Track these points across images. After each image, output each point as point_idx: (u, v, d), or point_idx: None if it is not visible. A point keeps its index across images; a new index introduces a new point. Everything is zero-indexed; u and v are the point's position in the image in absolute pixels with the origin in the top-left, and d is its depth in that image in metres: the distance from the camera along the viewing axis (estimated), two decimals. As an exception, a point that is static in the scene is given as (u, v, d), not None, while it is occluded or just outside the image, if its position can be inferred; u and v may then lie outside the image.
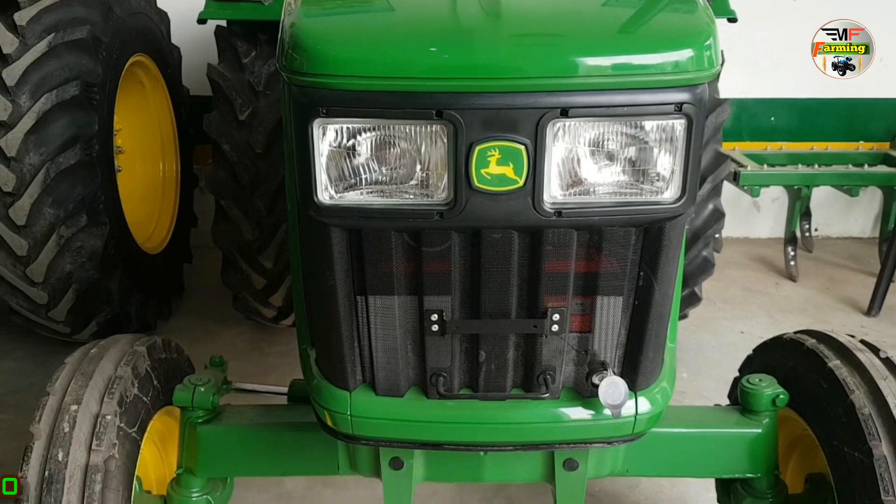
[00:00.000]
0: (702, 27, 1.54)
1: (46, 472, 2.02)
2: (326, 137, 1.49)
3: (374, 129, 1.49)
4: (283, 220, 4.10)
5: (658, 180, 1.55)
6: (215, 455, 2.37)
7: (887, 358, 2.28)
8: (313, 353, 1.88)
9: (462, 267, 1.62)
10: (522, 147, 1.47)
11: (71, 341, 4.28)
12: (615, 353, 1.75)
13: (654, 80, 1.47)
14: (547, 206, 1.53)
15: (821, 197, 6.44)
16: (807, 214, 6.15)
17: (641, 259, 1.64)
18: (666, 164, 1.53)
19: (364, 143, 1.50)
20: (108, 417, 2.11)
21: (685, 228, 1.85)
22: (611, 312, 1.70)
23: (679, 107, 1.48)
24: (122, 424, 2.15)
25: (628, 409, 1.77)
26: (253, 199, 4.10)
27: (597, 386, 1.68)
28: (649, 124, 1.50)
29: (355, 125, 1.48)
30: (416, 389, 1.79)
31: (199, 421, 2.37)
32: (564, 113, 1.45)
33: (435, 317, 1.66)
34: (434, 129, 1.47)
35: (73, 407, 2.12)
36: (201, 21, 4.14)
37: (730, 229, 6.81)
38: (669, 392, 1.85)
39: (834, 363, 2.28)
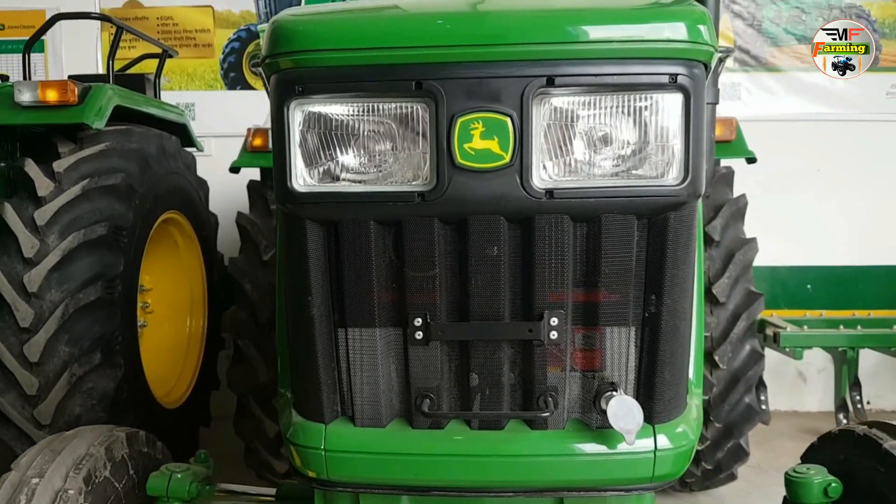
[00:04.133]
0: (695, 6, 1.50)
1: (-7, 548, 1.80)
2: (302, 119, 1.44)
3: (351, 107, 1.44)
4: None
5: (658, 161, 1.44)
6: (188, 559, 2.10)
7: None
8: (292, 398, 1.70)
9: (447, 262, 1.48)
10: (507, 119, 1.39)
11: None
12: (625, 375, 1.54)
13: (645, 48, 1.41)
14: (537, 187, 1.42)
15: (869, 367, 6.14)
16: (856, 385, 5.81)
17: (648, 259, 1.49)
18: (665, 143, 1.43)
19: (340, 124, 1.45)
20: (71, 493, 1.91)
21: (698, 230, 1.69)
22: (617, 322, 1.51)
23: (674, 79, 1.41)
24: (85, 503, 1.93)
25: (646, 445, 1.52)
26: (271, 337, 4.03)
27: (605, 411, 1.45)
28: (644, 99, 1.42)
29: (332, 104, 1.44)
30: (401, 420, 1.58)
31: (174, 514, 2.13)
32: (550, 82, 1.39)
33: (419, 321, 1.49)
34: (414, 105, 1.42)
35: (35, 480, 1.93)
36: (234, 170, 4.32)
37: (777, 402, 6.47)
38: (694, 434, 1.60)
39: (890, 444, 2.00)
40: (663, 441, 1.55)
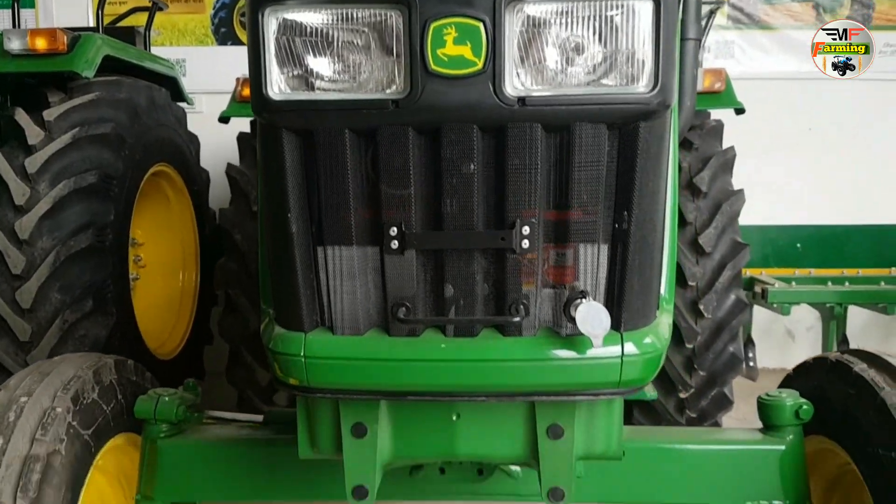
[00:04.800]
0: None
1: (-18, 460, 1.84)
2: (276, 27, 1.46)
3: (325, 14, 1.46)
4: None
5: (628, 70, 1.46)
6: (177, 475, 2.15)
7: (921, 360, 2.05)
8: (273, 313, 1.74)
9: (421, 172, 1.51)
10: (480, 24, 1.41)
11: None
12: (595, 285, 1.58)
13: None
14: (509, 94, 1.45)
15: (857, 325, 6.19)
16: (844, 343, 5.86)
17: (618, 171, 1.52)
18: (635, 51, 1.45)
19: (315, 31, 1.46)
20: (59, 411, 1.95)
21: (672, 146, 1.71)
22: (589, 234, 1.55)
23: None
24: (73, 422, 1.98)
25: (614, 351, 1.56)
26: (260, 289, 4.06)
27: (574, 318, 1.49)
28: (616, 7, 1.44)
29: (306, 11, 1.45)
30: (378, 329, 1.62)
31: (162, 435, 2.17)
32: None
33: (394, 230, 1.52)
34: (388, 12, 1.43)
35: (23, 399, 1.97)
36: (223, 120, 4.32)
37: (765, 360, 6.53)
38: (662, 344, 1.64)
39: (860, 367, 2.05)
40: (630, 348, 1.59)
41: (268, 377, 4.13)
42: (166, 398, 2.18)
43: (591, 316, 1.49)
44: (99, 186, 4.03)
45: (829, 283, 5.71)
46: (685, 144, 4.14)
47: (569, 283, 1.58)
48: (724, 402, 4.27)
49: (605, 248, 1.58)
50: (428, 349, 1.59)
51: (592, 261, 1.58)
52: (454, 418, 1.76)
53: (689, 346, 4.08)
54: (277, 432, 2.22)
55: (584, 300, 1.51)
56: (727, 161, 4.30)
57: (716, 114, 4.50)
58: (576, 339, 1.57)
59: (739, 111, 4.32)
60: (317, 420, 1.79)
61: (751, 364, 6.34)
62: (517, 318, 1.56)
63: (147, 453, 2.17)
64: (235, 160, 4.41)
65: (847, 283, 5.74)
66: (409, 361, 1.60)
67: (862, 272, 6.24)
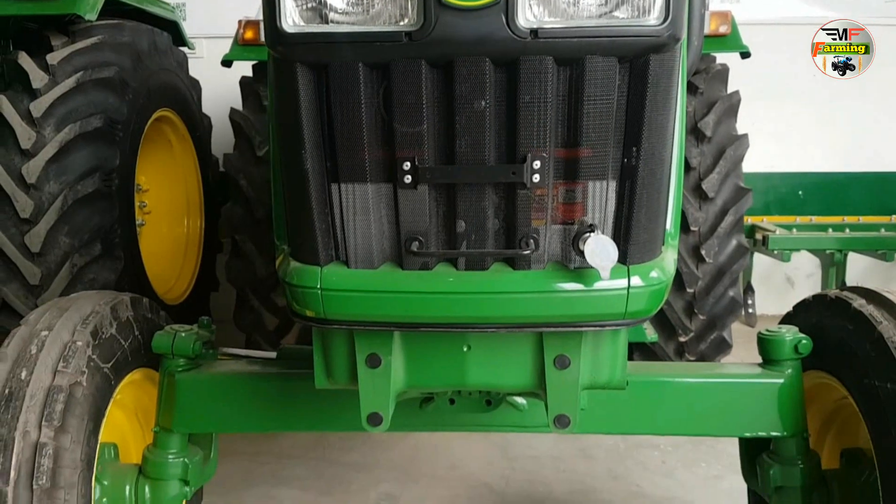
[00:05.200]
0: None
1: (7, 391, 1.90)
2: None
3: None
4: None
5: (640, 1, 1.47)
6: (194, 407, 2.22)
7: (917, 296, 2.10)
8: (287, 248, 1.78)
9: (434, 106, 1.53)
10: None
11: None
12: (603, 220, 1.61)
13: None
14: (522, 26, 1.46)
15: (856, 272, 6.24)
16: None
17: (628, 105, 1.54)
18: None
19: None
20: (79, 344, 2.01)
21: (681, 81, 1.73)
22: (598, 169, 1.58)
23: None
24: (93, 356, 2.04)
25: (621, 284, 1.61)
26: (267, 233, 4.09)
27: (583, 251, 1.53)
28: None
29: None
30: (392, 263, 1.66)
31: (179, 370, 2.24)
32: None
33: (407, 165, 1.55)
34: None
35: (44, 333, 2.03)
36: (226, 63, 4.30)
37: (764, 306, 6.62)
38: (666, 277, 1.69)
39: (859, 302, 2.10)
40: (636, 280, 1.63)
41: (275, 321, 4.20)
42: (183, 334, 2.24)
43: (600, 249, 1.52)
44: (104, 131, 4.04)
45: (830, 230, 5.75)
46: (690, 88, 4.14)
47: (577, 218, 1.61)
48: (723, 346, 4.35)
49: (613, 184, 1.61)
50: (440, 282, 1.63)
51: (601, 196, 1.61)
52: (465, 349, 1.82)
53: (690, 290, 4.13)
54: (290, 367, 2.29)
55: (592, 234, 1.54)
56: (732, 105, 4.30)
57: (721, 58, 4.47)
58: (583, 272, 1.62)
59: (745, 55, 4.30)
60: (332, 351, 1.84)
61: (750, 311, 6.43)
62: (527, 252, 1.60)
63: (165, 387, 2.24)
64: (236, 106, 4.40)
65: (847, 231, 5.77)
66: (422, 294, 1.64)
67: (863, 220, 6.27)
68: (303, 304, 1.69)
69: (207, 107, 5.59)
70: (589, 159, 1.58)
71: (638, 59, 1.51)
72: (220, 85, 5.68)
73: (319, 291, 1.65)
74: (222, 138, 5.79)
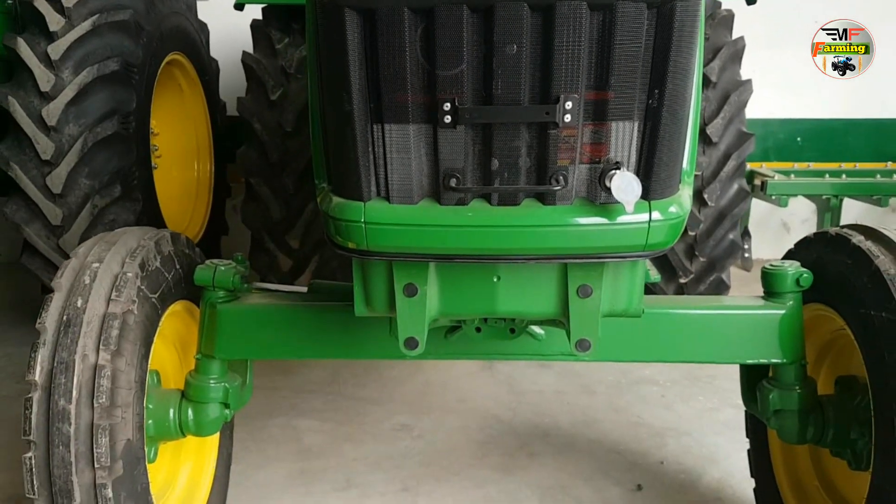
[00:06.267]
0: None
1: (65, 318, 2.03)
2: None
3: None
4: (310, 199, 4.17)
5: None
6: (235, 335, 2.36)
7: (916, 234, 2.23)
8: (329, 187, 1.89)
9: (474, 49, 1.63)
10: None
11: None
12: (628, 158, 1.73)
13: None
14: None
15: (851, 217, 6.36)
16: (838, 233, 6.06)
17: (655, 48, 1.65)
18: None
19: None
20: (129, 275, 2.13)
21: (700, 25, 1.83)
22: (624, 110, 1.69)
23: None
24: (142, 286, 2.16)
25: (642, 218, 1.74)
26: (282, 177, 4.19)
27: (609, 188, 1.66)
28: None
29: None
30: (430, 199, 1.78)
31: (220, 301, 2.37)
32: None
33: (448, 106, 1.66)
34: None
35: (95, 265, 2.15)
36: (238, 7, 4.34)
37: (760, 251, 6.78)
38: (683, 212, 1.82)
39: (858, 238, 2.24)
40: (656, 215, 1.76)
41: (289, 263, 4.31)
42: (223, 267, 2.37)
43: (625, 184, 1.65)
44: (121, 74, 4.11)
45: (827, 176, 5.87)
46: (697, 35, 4.21)
47: (603, 157, 1.73)
48: (722, 287, 4.51)
49: (637, 124, 1.72)
50: (474, 216, 1.76)
51: (626, 136, 1.72)
52: (495, 280, 1.95)
53: (692, 233, 4.28)
54: (323, 299, 2.43)
55: (618, 171, 1.66)
56: (737, 51, 4.37)
57: (726, 3, 4.53)
58: (608, 207, 1.74)
59: (750, 1, 4.36)
60: (371, 281, 1.97)
61: (746, 255, 6.59)
62: (557, 188, 1.72)
63: (206, 317, 2.37)
64: (243, 49, 4.43)
65: (844, 176, 5.90)
66: (458, 227, 1.76)
67: (859, 166, 6.39)
68: (346, 236, 1.82)
69: (214, 51, 5.63)
70: (616, 101, 1.69)
71: (665, 4, 1.61)
72: (225, 29, 5.71)
73: (363, 225, 1.77)
74: (229, 82, 5.83)
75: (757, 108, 5.68)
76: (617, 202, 1.71)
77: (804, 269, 2.32)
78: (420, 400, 4.03)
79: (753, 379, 2.46)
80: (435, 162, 1.75)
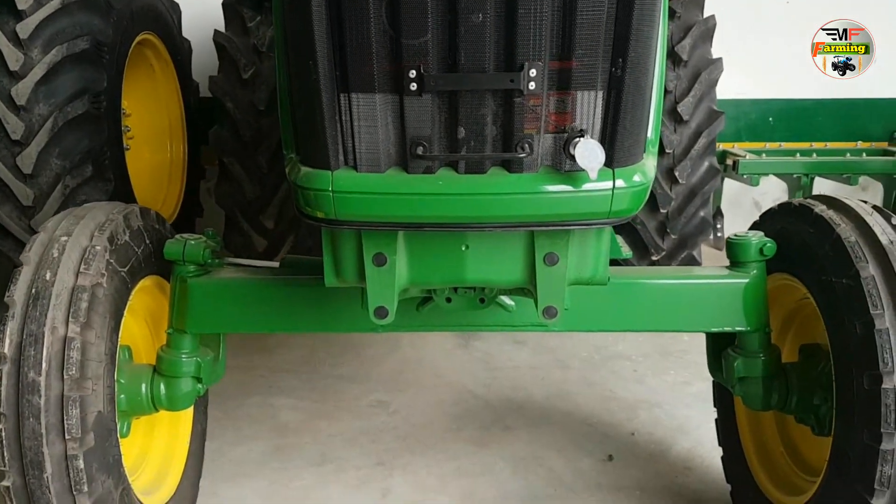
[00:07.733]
0: None
1: (33, 290, 2.03)
2: None
3: None
4: (284, 178, 4.16)
5: None
6: (206, 309, 2.37)
7: (875, 205, 2.29)
8: (297, 157, 1.90)
9: (440, 17, 1.64)
10: None
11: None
12: (592, 126, 1.76)
13: None
14: None
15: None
16: (809, 212, 6.14)
17: (617, 17, 1.67)
18: None
19: None
20: (98, 248, 2.14)
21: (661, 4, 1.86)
22: (587, 78, 1.71)
23: None
24: (111, 260, 2.17)
25: (606, 185, 1.77)
26: (255, 156, 4.18)
27: (573, 155, 1.68)
28: None
29: None
30: (398, 167, 1.80)
31: (190, 275, 2.38)
32: None
33: (413, 73, 1.67)
34: None
35: (63, 238, 2.15)
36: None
37: (732, 229, 6.81)
38: (647, 179, 1.85)
39: (820, 208, 2.29)
40: (620, 182, 1.79)
41: (264, 243, 4.31)
42: (192, 241, 2.38)
43: (588, 151, 1.67)
44: (91, 53, 4.06)
45: (798, 155, 5.95)
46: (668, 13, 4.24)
47: (568, 125, 1.76)
48: (693, 265, 4.56)
49: (601, 93, 1.75)
50: (442, 184, 1.78)
51: (590, 105, 1.75)
52: (463, 248, 1.98)
53: (664, 210, 4.32)
54: (294, 274, 2.44)
55: (582, 138, 1.69)
56: (708, 30, 4.41)
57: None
58: (573, 175, 1.77)
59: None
60: (341, 251, 1.99)
61: (718, 234, 6.67)
62: (523, 155, 1.75)
63: (177, 291, 2.38)
64: (214, 29, 4.41)
65: (815, 155, 5.98)
66: (425, 195, 1.78)
67: (829, 145, 6.48)
68: (314, 205, 1.83)
69: (186, 31, 5.58)
70: (580, 69, 1.71)
71: (625, -24, 1.64)
72: (196, 8, 5.66)
73: (331, 194, 1.79)
74: (202, 62, 5.79)
75: (728, 89, 5.74)
76: (581, 170, 1.73)
77: (767, 239, 2.37)
78: (397, 377, 4.06)
79: (719, 348, 2.52)
80: (402, 130, 1.76)
